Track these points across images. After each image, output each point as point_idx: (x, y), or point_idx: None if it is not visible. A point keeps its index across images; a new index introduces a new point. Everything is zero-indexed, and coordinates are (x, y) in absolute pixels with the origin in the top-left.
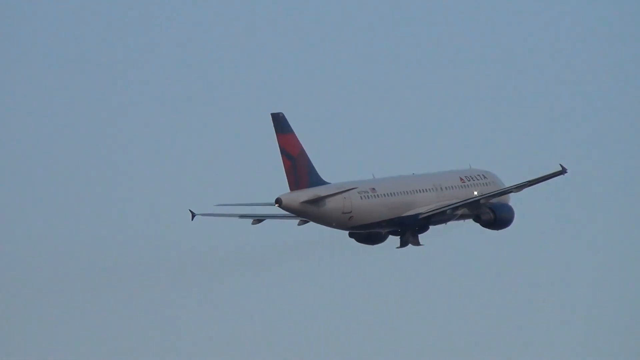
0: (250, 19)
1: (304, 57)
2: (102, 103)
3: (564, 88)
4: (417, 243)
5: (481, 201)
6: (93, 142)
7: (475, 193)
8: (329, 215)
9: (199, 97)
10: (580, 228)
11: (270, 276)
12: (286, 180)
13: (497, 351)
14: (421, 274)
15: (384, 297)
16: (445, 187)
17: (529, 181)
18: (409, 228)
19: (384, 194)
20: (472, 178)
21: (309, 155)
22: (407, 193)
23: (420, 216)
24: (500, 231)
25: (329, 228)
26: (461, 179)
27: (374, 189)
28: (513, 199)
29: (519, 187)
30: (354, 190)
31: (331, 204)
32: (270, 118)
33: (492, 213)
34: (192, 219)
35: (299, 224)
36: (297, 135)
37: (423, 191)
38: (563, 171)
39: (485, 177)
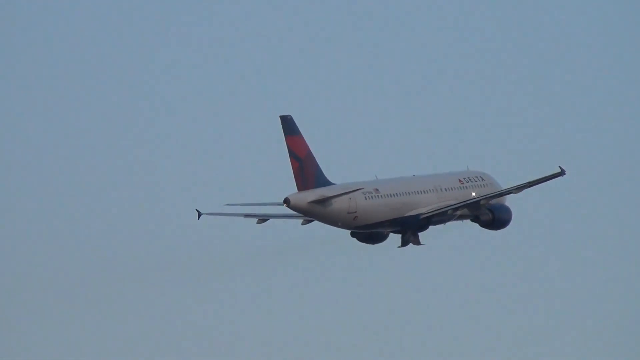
0: (263, 25)
1: (312, 62)
2: (117, 105)
3: (561, 90)
4: (417, 242)
5: (481, 202)
6: (108, 144)
7: (474, 194)
8: (334, 215)
9: (211, 100)
10: (576, 228)
11: (272, 274)
12: (294, 180)
13: (496, 348)
14: (422, 273)
15: (386, 295)
16: (445, 189)
17: (529, 182)
18: (411, 228)
19: (387, 195)
20: (470, 180)
21: (315, 157)
22: (409, 194)
23: (422, 216)
24: (498, 231)
25: (331, 228)
26: (460, 181)
27: (377, 189)
28: (511, 200)
29: (519, 188)
30: (358, 191)
31: (337, 204)
32: (279, 120)
33: (491, 214)
34: (199, 218)
35: (302, 224)
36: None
37: (424, 192)
38: (562, 173)
39: (482, 179)
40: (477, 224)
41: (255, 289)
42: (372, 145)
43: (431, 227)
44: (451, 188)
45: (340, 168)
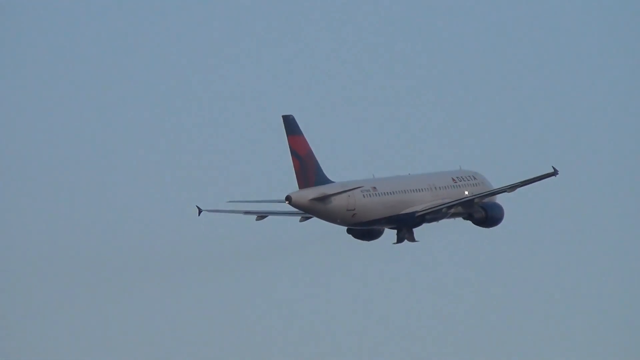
0: (265, 27)
1: (312, 62)
2: (122, 105)
3: (554, 90)
4: (412, 239)
5: (475, 200)
6: (114, 145)
7: (466, 193)
8: (334, 212)
9: (216, 101)
10: (566, 226)
11: (269, 270)
12: (295, 179)
13: (490, 344)
14: (417, 269)
15: (382, 290)
16: (439, 187)
17: (522, 182)
18: (406, 225)
19: (384, 193)
20: (462, 179)
21: (316, 156)
22: (405, 192)
23: (417, 214)
24: (491, 229)
25: (328, 224)
26: (453, 180)
27: (375, 187)
28: (503, 199)
29: (512, 187)
30: (357, 189)
31: (336, 202)
32: (282, 120)
33: (484, 212)
34: (199, 215)
35: (300, 221)
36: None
37: (419, 190)
38: (555, 173)
39: (475, 178)
40: (470, 222)
41: (253, 283)
42: (369, 144)
43: (425, 225)
44: (445, 187)
45: (339, 166)
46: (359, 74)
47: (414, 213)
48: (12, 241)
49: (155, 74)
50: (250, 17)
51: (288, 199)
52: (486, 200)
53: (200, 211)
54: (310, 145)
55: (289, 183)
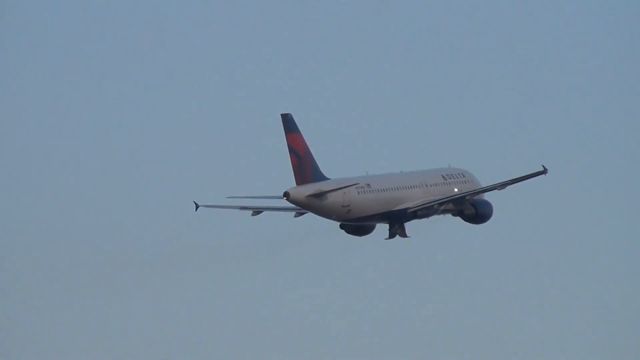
0: (266, 28)
1: (311, 63)
2: (124, 106)
3: (543, 89)
4: (404, 235)
5: (466, 197)
6: (118, 145)
7: (456, 190)
8: (330, 208)
9: (216, 100)
10: (553, 223)
11: (263, 264)
12: (293, 175)
13: (479, 337)
14: (408, 264)
15: (374, 285)
16: (430, 184)
17: (512, 180)
18: (399, 221)
19: (378, 190)
20: (452, 176)
21: (312, 153)
22: (398, 189)
23: (409, 210)
24: (480, 225)
25: (321, 220)
26: (443, 177)
27: (369, 184)
28: (491, 196)
29: (503, 185)
30: (352, 186)
31: (332, 198)
32: (280, 118)
33: (474, 208)
34: (196, 210)
35: (295, 216)
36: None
37: (412, 187)
38: (544, 171)
39: (463, 176)
40: (460, 218)
41: (247, 278)
42: (362, 142)
43: (416, 221)
44: (435, 184)
45: (334, 164)
46: (356, 75)
47: (406, 209)
48: (9, 237)
49: (156, 73)
50: (251, 18)
51: (286, 195)
52: (476, 197)
53: (197, 207)
54: (307, 143)
55: (287, 180)
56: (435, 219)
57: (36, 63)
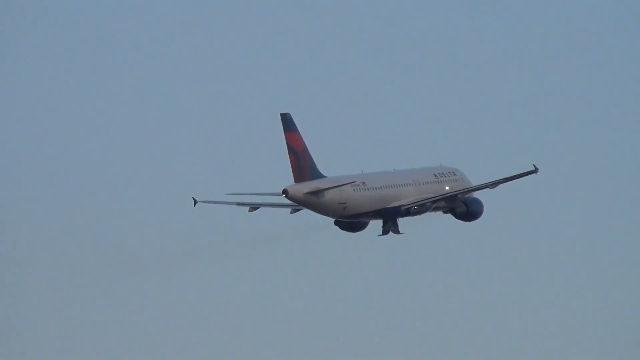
0: (266, 28)
1: (310, 63)
2: (124, 105)
3: (535, 90)
4: (397, 232)
5: (458, 195)
6: (124, 147)
7: (447, 188)
8: (327, 205)
9: (218, 100)
10: (541, 220)
11: (257, 259)
12: (291, 173)
13: (473, 333)
14: (401, 259)
15: (368, 280)
16: (423, 182)
17: (504, 179)
18: (392, 218)
19: (373, 187)
20: (443, 175)
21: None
22: (392, 187)
23: (403, 208)
24: (471, 222)
25: (316, 216)
26: (435, 175)
27: (364, 182)
28: (484, 194)
29: (494, 184)
30: (348, 184)
31: (329, 195)
32: (279, 118)
33: (465, 206)
34: (194, 205)
35: (290, 212)
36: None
37: (405, 185)
38: (535, 170)
39: (454, 174)
40: (452, 216)
41: (243, 272)
42: (358, 141)
43: (409, 218)
44: (428, 182)
45: (330, 162)
46: (354, 75)
47: (400, 206)
48: (8, 231)
49: (158, 75)
50: (250, 18)
51: (285, 192)
52: (468, 195)
53: (195, 202)
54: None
55: (286, 177)
56: (427, 216)
57: (35, 60)
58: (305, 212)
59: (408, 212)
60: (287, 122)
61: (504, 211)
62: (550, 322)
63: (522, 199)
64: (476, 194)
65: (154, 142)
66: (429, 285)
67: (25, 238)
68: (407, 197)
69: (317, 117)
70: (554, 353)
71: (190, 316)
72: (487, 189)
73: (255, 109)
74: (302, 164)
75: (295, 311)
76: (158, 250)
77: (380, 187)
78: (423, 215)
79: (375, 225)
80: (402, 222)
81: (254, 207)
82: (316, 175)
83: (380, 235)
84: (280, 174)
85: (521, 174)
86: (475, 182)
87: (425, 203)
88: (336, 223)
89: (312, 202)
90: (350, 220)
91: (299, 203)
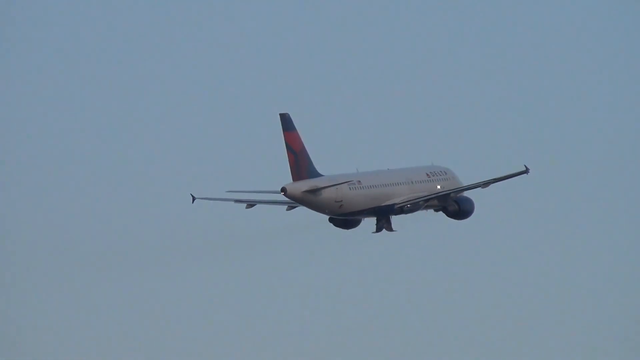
0: (266, 28)
1: (311, 64)
2: (125, 105)
3: (527, 90)
4: (390, 229)
5: (451, 194)
6: (124, 145)
7: (439, 187)
8: (324, 203)
9: (218, 100)
10: (531, 219)
11: (255, 255)
12: (290, 172)
13: (465, 328)
14: (394, 256)
15: (362, 276)
16: (416, 181)
17: (495, 179)
18: (385, 215)
19: (368, 186)
20: (435, 174)
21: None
22: (386, 185)
23: (396, 206)
24: (462, 221)
25: (312, 213)
26: (427, 175)
27: (360, 181)
28: (475, 194)
29: (486, 184)
30: (345, 183)
31: (326, 194)
32: (279, 117)
33: (457, 205)
34: (193, 202)
35: (287, 209)
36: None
37: (399, 184)
38: (526, 171)
39: (445, 174)
40: (444, 214)
41: (240, 267)
42: (353, 140)
43: (402, 216)
44: (420, 181)
45: (326, 161)
46: (352, 76)
47: (393, 205)
48: (8, 228)
49: (157, 73)
50: (250, 18)
51: (283, 190)
52: (459, 194)
53: (194, 199)
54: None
55: (284, 175)
56: (419, 214)
57: (35, 60)
58: (301, 210)
59: (401, 210)
60: (286, 122)
61: (494, 210)
62: (540, 319)
63: (512, 198)
64: (467, 193)
65: (155, 140)
66: (421, 281)
67: (24, 236)
68: (401, 195)
69: (312, 117)
70: (545, 351)
71: (187, 312)
72: (479, 188)
73: (255, 109)
74: (300, 163)
75: (290, 306)
76: (156, 245)
77: (375, 186)
78: (416, 213)
79: (369, 222)
80: (395, 219)
81: (250, 204)
82: (313, 174)
83: (373, 232)
84: (279, 173)
85: (512, 174)
86: (466, 182)
87: (419, 202)
88: (330, 220)
89: (309, 200)
90: (345, 218)
91: (296, 201)
